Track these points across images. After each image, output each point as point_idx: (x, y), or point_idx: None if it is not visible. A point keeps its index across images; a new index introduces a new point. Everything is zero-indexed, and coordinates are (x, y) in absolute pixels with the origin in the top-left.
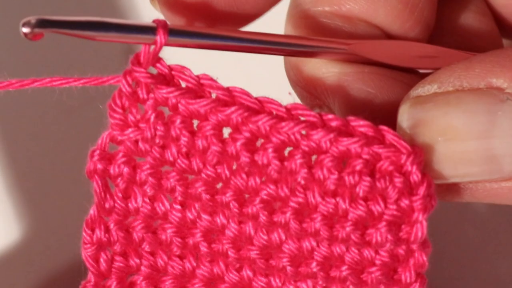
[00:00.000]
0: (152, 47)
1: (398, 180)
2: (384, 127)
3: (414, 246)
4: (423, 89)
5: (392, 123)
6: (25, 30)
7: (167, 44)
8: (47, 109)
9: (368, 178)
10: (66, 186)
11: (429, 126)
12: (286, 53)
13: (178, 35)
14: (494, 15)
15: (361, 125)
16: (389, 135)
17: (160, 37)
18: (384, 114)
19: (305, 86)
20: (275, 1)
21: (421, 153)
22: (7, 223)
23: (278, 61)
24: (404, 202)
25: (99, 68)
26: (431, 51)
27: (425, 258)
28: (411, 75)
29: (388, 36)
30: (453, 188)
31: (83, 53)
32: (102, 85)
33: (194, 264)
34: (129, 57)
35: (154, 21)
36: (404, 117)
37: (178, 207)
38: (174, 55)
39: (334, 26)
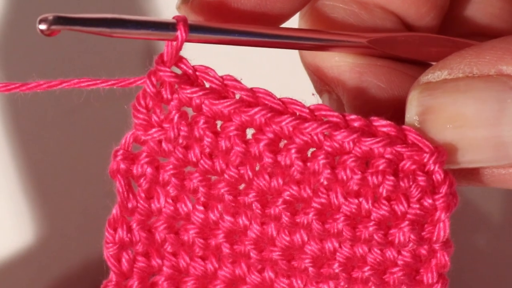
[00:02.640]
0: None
1: (421, 179)
2: (406, 127)
3: (437, 246)
4: (433, 75)
5: (401, 117)
6: (42, 27)
7: (188, 40)
8: (65, 109)
9: (391, 178)
10: (81, 187)
11: (438, 113)
12: (303, 47)
13: (198, 31)
14: None
15: (384, 125)
16: (412, 135)
17: (181, 33)
18: (393, 108)
19: (316, 71)
20: (304, 2)
21: (444, 152)
22: (22, 223)
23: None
24: (427, 201)
25: (115, 67)
26: (446, 42)
27: (447, 258)
28: (424, 70)
29: (403, 21)
30: (461, 174)
31: (96, 51)
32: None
33: (216, 265)
34: (144, 57)
35: (174, 17)
36: (413, 103)
37: (201, 208)
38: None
39: (348, 15)
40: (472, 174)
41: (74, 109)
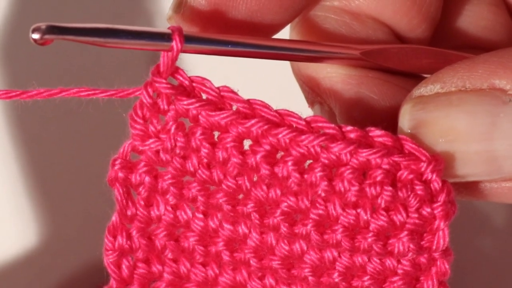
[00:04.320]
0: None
1: (419, 188)
2: (403, 136)
3: (436, 254)
4: (426, 88)
5: (394, 128)
6: (35, 36)
7: (183, 51)
8: (67, 115)
9: (389, 188)
10: (83, 190)
11: (430, 127)
12: (296, 59)
13: (193, 42)
14: (508, 6)
15: (380, 135)
16: (408, 144)
17: (176, 43)
18: (385, 120)
19: (308, 82)
20: (297, 13)
21: (441, 161)
22: (24, 226)
23: None
24: (426, 210)
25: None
26: (438, 54)
27: (447, 266)
28: (417, 83)
29: (395, 33)
30: (454, 187)
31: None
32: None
33: (217, 272)
34: (146, 59)
35: (169, 28)
36: (406, 117)
37: (200, 216)
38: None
39: (340, 25)
40: (465, 188)
41: (76, 111)
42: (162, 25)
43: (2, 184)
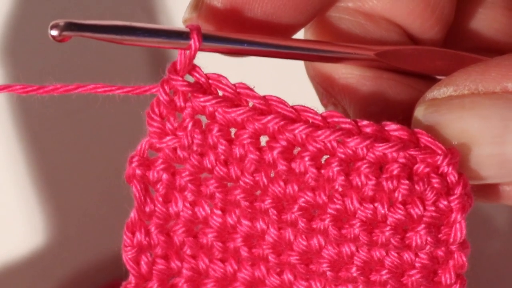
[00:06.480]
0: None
1: (435, 181)
2: (418, 130)
3: (454, 247)
4: (439, 91)
5: (408, 125)
6: (54, 33)
7: (200, 49)
8: (73, 110)
9: (406, 182)
10: (89, 192)
11: (443, 130)
12: (312, 59)
13: (211, 40)
14: None
15: (395, 129)
16: (424, 137)
17: (194, 42)
18: (398, 122)
19: (322, 82)
20: (312, 16)
21: (457, 154)
22: (32, 225)
23: None
24: (443, 203)
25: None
26: (452, 56)
27: (464, 259)
28: (430, 84)
29: (409, 34)
30: None
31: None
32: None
33: (236, 267)
34: (153, 62)
35: (187, 26)
36: (419, 119)
37: (219, 212)
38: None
39: (354, 26)
40: (478, 191)
41: (82, 109)
42: (166, 23)
43: (8, 183)
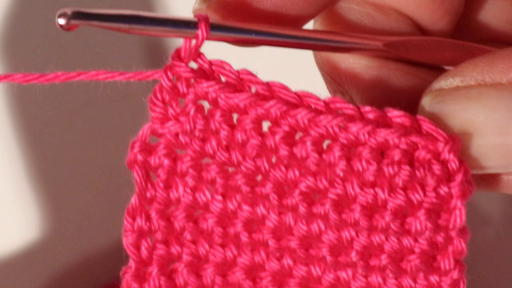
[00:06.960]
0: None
1: (436, 168)
2: (420, 117)
3: (453, 233)
4: (446, 82)
5: (413, 112)
6: (61, 21)
7: (208, 39)
8: (70, 108)
9: (407, 167)
10: (85, 187)
11: (449, 120)
12: (320, 48)
13: (219, 30)
14: None
15: (398, 115)
16: (426, 124)
17: (202, 31)
18: (401, 109)
19: (330, 72)
20: (322, 7)
21: (458, 141)
22: (25, 220)
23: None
24: (443, 189)
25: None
26: (460, 47)
27: (463, 245)
28: (438, 75)
29: (417, 25)
30: None
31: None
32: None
33: (236, 253)
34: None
35: (196, 16)
36: (425, 109)
37: (219, 197)
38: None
39: (363, 17)
40: (482, 180)
41: (79, 107)
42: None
43: (3, 177)
